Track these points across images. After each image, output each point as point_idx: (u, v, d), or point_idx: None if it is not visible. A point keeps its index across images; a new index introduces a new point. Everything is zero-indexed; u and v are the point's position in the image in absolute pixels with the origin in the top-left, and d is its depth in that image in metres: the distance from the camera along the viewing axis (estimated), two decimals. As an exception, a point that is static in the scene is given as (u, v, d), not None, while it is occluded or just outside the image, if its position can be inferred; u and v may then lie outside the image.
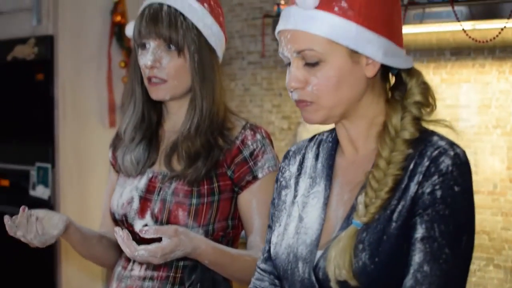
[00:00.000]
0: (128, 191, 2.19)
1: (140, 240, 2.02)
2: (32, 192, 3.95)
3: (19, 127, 4.12)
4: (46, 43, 3.84)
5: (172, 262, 2.08)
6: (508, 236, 3.35)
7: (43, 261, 3.96)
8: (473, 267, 3.42)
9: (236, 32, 4.29)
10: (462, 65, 3.47)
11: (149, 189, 2.17)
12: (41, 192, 3.89)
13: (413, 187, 1.52)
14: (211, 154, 2.13)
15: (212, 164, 2.13)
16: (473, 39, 3.07)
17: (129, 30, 2.24)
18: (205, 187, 2.12)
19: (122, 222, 2.18)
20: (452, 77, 3.50)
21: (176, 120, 2.22)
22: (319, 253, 1.59)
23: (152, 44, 2.12)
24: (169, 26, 2.11)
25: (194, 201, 2.11)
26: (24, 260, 4.06)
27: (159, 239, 1.89)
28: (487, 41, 3.07)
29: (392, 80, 1.66)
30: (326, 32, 1.54)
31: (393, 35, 1.59)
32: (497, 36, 3.00)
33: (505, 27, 2.95)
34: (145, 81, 2.16)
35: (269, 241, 1.77)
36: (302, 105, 1.60)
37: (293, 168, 1.76)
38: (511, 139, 3.35)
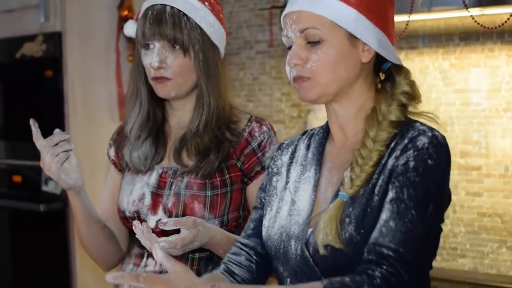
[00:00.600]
0: (139, 187, 2.23)
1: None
2: (44, 188, 3.97)
3: (29, 125, 4.12)
4: (54, 40, 3.84)
5: (187, 254, 2.12)
6: (521, 218, 3.37)
7: (59, 265, 3.99)
8: (485, 249, 3.43)
9: (244, 22, 4.29)
10: (471, 50, 3.47)
11: (160, 185, 2.20)
12: (53, 187, 3.91)
13: (390, 162, 1.63)
14: (221, 147, 2.19)
15: (224, 156, 2.18)
16: (481, 25, 3.06)
17: (128, 30, 2.29)
18: (218, 179, 2.17)
19: (134, 219, 2.19)
20: (462, 62, 3.50)
21: (182, 116, 2.28)
22: (309, 230, 1.69)
23: (156, 44, 2.16)
24: (173, 27, 2.16)
25: (208, 193, 2.16)
26: (40, 264, 4.09)
27: (175, 232, 1.97)
28: (495, 27, 3.06)
29: (382, 77, 1.79)
30: (329, 14, 1.67)
31: (387, 31, 1.73)
32: (505, 22, 2.99)
33: (513, 13, 2.94)
34: (150, 80, 2.20)
35: (254, 220, 1.89)
36: (300, 81, 1.71)
37: (285, 158, 1.89)
38: (521, 122, 3.35)
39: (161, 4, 2.19)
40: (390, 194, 1.58)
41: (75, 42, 3.85)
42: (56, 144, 2.14)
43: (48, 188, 3.95)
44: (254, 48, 4.27)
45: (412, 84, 1.74)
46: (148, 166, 2.23)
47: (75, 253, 3.88)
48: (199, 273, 2.12)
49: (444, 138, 1.65)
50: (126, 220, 2.25)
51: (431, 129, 1.65)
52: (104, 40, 3.94)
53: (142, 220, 2.17)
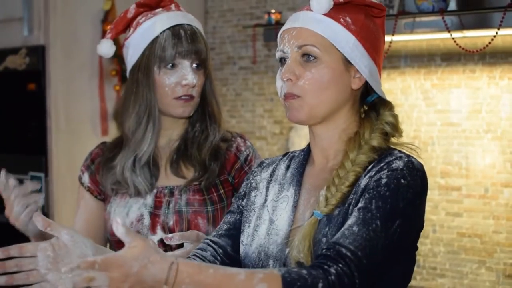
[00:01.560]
0: (136, 209, 2.23)
1: None
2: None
3: (12, 137, 4.11)
4: (38, 53, 3.82)
5: None
6: (499, 239, 3.39)
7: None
8: (465, 269, 3.45)
9: (227, 37, 4.30)
10: (452, 71, 3.50)
11: (157, 205, 2.22)
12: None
13: (364, 181, 1.64)
14: (218, 157, 2.25)
15: (222, 165, 2.24)
16: (463, 49, 3.09)
17: (105, 49, 2.29)
18: (214, 194, 2.23)
19: None
20: (443, 83, 3.53)
21: (171, 134, 2.29)
22: (287, 250, 1.70)
23: (185, 63, 2.20)
24: (205, 46, 2.23)
25: (209, 208, 2.21)
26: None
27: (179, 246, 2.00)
28: (477, 51, 3.09)
29: (366, 107, 1.82)
30: (330, 35, 1.71)
31: (378, 64, 1.78)
32: (487, 46, 3.02)
33: (495, 36, 2.97)
34: (172, 99, 2.20)
35: (228, 223, 1.90)
36: (289, 99, 1.72)
37: (265, 174, 1.91)
38: (502, 144, 3.37)
39: (187, 24, 2.23)
40: (359, 205, 1.59)
41: (58, 56, 3.84)
42: (27, 194, 2.12)
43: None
44: (237, 64, 4.29)
45: (396, 117, 1.76)
46: (150, 188, 2.24)
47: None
48: None
49: (421, 165, 1.67)
50: (120, 244, 2.20)
51: (408, 155, 1.68)
52: (88, 54, 3.93)
53: None
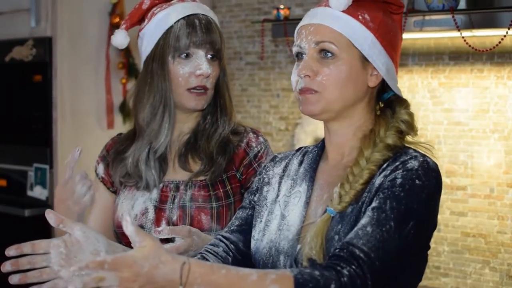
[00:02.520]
0: (141, 202, 2.22)
1: None
2: (29, 193, 3.95)
3: (17, 128, 4.11)
4: (45, 45, 3.83)
5: None
6: (504, 239, 3.38)
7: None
8: (469, 269, 3.44)
9: (235, 32, 4.29)
10: (460, 70, 3.48)
11: (162, 199, 2.20)
12: (38, 192, 3.89)
13: (379, 180, 1.65)
14: (227, 150, 2.22)
15: (230, 158, 2.21)
16: (472, 47, 3.07)
17: (119, 40, 2.27)
18: (220, 190, 2.20)
19: None
20: (451, 81, 3.52)
21: (182, 128, 2.27)
22: (299, 246, 1.70)
23: (200, 53, 2.18)
24: (220, 37, 2.21)
25: (214, 204, 2.18)
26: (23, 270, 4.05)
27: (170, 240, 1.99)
28: (486, 50, 3.08)
29: (382, 105, 1.81)
30: (348, 33, 1.71)
31: (395, 61, 1.77)
32: (497, 45, 3.01)
33: (505, 36, 2.95)
34: (185, 90, 2.19)
35: (239, 218, 1.90)
36: (306, 93, 1.72)
37: (277, 169, 1.90)
38: (508, 144, 3.36)
39: (202, 14, 2.22)
40: (373, 204, 1.60)
41: (65, 48, 3.84)
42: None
43: (34, 193, 3.93)
44: (244, 59, 4.28)
45: (411, 115, 1.77)
46: (158, 182, 2.23)
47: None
48: None
49: (436, 164, 1.67)
50: (126, 237, 2.20)
51: (424, 155, 1.68)
52: (95, 47, 3.93)
53: None
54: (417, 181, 1.60)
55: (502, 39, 2.96)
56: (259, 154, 2.23)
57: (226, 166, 2.21)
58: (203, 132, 2.25)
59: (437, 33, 3.29)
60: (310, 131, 3.90)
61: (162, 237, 1.96)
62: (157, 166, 2.22)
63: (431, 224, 1.67)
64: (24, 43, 3.91)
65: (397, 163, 1.64)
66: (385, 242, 1.54)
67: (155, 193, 2.21)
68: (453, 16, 2.93)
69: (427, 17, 3.08)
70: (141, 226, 2.18)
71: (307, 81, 1.71)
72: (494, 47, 3.03)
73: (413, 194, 1.59)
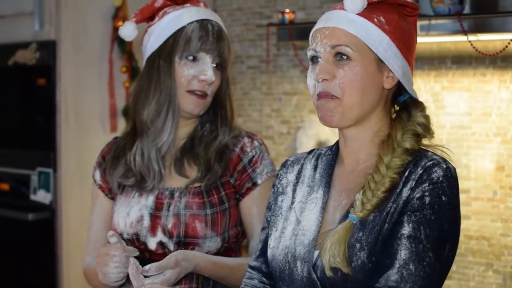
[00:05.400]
0: (137, 209, 2.19)
1: (151, 258, 2.12)
2: (33, 197, 3.94)
3: (20, 132, 4.10)
4: (48, 48, 3.82)
5: (192, 274, 2.10)
6: (507, 242, 3.40)
7: (46, 276, 3.96)
8: (472, 272, 3.46)
9: (236, 36, 4.30)
10: (463, 74, 3.51)
11: (157, 206, 2.18)
12: (42, 196, 3.89)
13: (405, 193, 1.65)
14: (223, 156, 2.20)
15: (225, 165, 2.18)
16: (479, 52, 3.09)
17: (127, 32, 2.25)
18: (215, 196, 2.17)
19: (133, 241, 2.17)
20: (453, 85, 3.54)
21: (178, 134, 2.24)
22: (316, 252, 1.69)
23: (207, 59, 2.17)
24: (228, 48, 2.20)
25: (208, 211, 2.14)
26: (26, 274, 4.05)
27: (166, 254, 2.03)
28: (493, 55, 3.10)
29: (397, 108, 1.81)
30: (363, 36, 1.71)
31: (411, 64, 1.77)
32: (504, 49, 3.03)
33: (511, 40, 2.98)
34: (184, 92, 2.18)
35: (262, 241, 1.90)
36: (326, 98, 1.72)
37: (291, 176, 1.89)
38: (511, 147, 3.39)
39: (215, 21, 2.21)
40: (407, 229, 1.61)
41: (69, 51, 3.83)
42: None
43: (37, 197, 3.92)
44: (245, 63, 4.28)
45: (427, 118, 1.76)
46: (158, 183, 2.21)
47: (62, 264, 3.85)
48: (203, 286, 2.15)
49: (455, 170, 1.68)
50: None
51: (444, 160, 1.68)
52: (98, 50, 3.93)
53: (140, 243, 2.16)
54: (443, 198, 1.62)
55: (509, 43, 2.99)
56: (254, 159, 2.21)
57: (221, 172, 2.19)
58: (201, 138, 2.23)
59: (443, 37, 3.30)
60: (313, 134, 3.90)
61: (151, 274, 1.93)
62: (161, 165, 2.21)
63: (459, 235, 1.69)
64: (28, 47, 3.89)
65: (420, 170, 1.65)
66: (429, 278, 1.59)
67: (150, 200, 2.18)
68: (460, 21, 2.95)
69: (433, 21, 3.10)
70: (137, 234, 2.16)
71: (325, 85, 1.71)
72: (501, 51, 3.05)
73: (442, 215, 1.61)
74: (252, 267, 1.91)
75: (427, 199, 1.61)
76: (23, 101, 4.06)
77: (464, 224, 3.48)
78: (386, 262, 1.61)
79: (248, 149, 2.21)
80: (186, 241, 2.12)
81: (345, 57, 1.70)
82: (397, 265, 1.59)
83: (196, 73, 2.16)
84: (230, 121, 2.26)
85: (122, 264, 1.98)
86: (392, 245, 1.61)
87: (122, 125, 3.97)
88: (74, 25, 3.85)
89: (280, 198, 1.88)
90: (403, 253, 1.59)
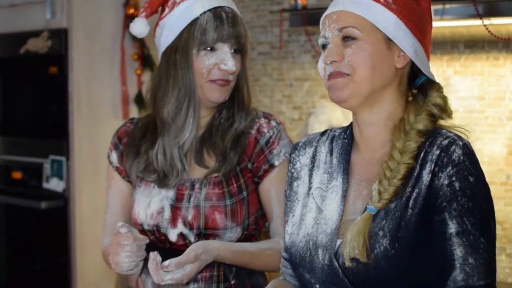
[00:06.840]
0: (158, 200, 2.16)
1: (171, 248, 2.12)
2: (45, 185, 3.95)
3: (32, 121, 4.11)
4: (60, 37, 3.82)
5: (213, 262, 2.08)
6: (520, 226, 3.41)
7: (59, 263, 3.98)
8: (485, 256, 3.46)
9: (247, 23, 4.28)
10: (476, 58, 3.50)
11: (178, 198, 2.15)
12: (55, 184, 3.90)
13: (426, 176, 1.62)
14: (239, 142, 2.16)
15: (242, 150, 2.15)
16: (495, 36, 3.09)
17: (138, 29, 2.17)
18: (234, 185, 2.14)
19: (153, 232, 2.15)
20: (466, 70, 3.53)
21: (200, 125, 2.21)
22: (339, 241, 1.69)
23: (225, 47, 2.13)
24: (244, 31, 2.16)
25: (228, 201, 2.12)
26: (40, 262, 4.07)
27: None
28: (507, 38, 3.09)
29: (415, 91, 1.79)
30: (370, 16, 1.69)
31: (424, 44, 1.74)
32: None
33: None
34: (206, 82, 2.13)
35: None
36: (336, 77, 1.70)
37: (304, 159, 1.87)
38: (524, 131, 3.39)
39: (228, 7, 2.16)
40: (452, 226, 1.60)
41: (80, 39, 3.84)
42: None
43: (50, 185, 3.93)
44: (256, 49, 4.28)
45: (444, 98, 1.74)
46: (180, 182, 2.18)
47: (75, 251, 3.87)
48: (226, 278, 2.14)
49: (471, 145, 1.66)
50: (143, 233, 2.17)
51: (459, 137, 1.65)
52: (110, 38, 3.93)
53: (161, 234, 2.14)
54: (471, 178, 1.60)
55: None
56: (271, 140, 2.16)
57: (239, 158, 2.16)
58: (218, 126, 2.20)
59: (457, 21, 3.30)
60: (324, 120, 3.90)
61: (171, 270, 1.91)
62: (185, 162, 2.18)
63: (492, 203, 1.68)
64: (39, 35, 3.90)
65: (437, 150, 1.62)
66: (489, 262, 1.59)
67: (171, 192, 2.16)
68: (475, 4, 2.94)
69: (447, 5, 3.09)
70: (157, 226, 2.14)
71: (335, 66, 1.70)
72: (517, 35, 3.05)
73: (477, 198, 1.60)
74: (284, 258, 1.91)
75: (457, 184, 1.59)
76: (35, 89, 4.07)
77: (477, 209, 3.50)
78: (413, 253, 1.60)
79: (265, 130, 2.16)
80: (206, 233, 2.11)
81: (353, 37, 1.69)
82: (458, 265, 1.59)
83: (217, 61, 2.12)
84: (247, 105, 2.22)
85: (134, 253, 1.98)
86: (445, 248, 1.60)
87: (134, 112, 3.97)
88: (85, 13, 3.85)
89: (295, 184, 1.87)
90: (458, 251, 1.59)
